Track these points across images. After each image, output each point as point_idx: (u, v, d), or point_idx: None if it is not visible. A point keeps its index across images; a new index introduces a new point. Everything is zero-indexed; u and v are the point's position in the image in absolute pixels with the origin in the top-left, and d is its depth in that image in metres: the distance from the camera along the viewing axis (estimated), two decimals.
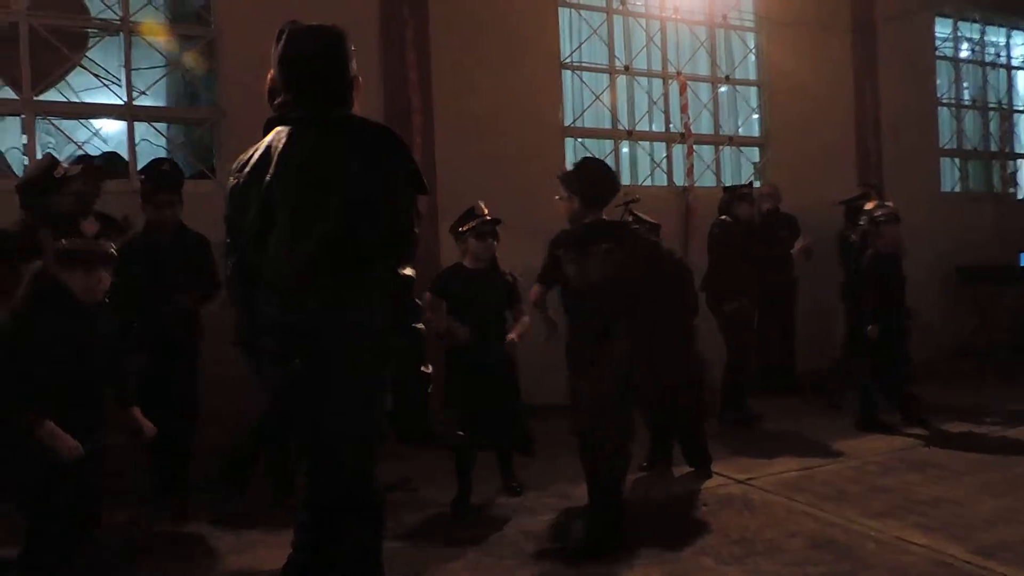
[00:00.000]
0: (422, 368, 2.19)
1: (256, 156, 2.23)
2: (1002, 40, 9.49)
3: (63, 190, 3.73)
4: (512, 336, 3.99)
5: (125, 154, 5.32)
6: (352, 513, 2.19)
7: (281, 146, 2.18)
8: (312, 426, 2.18)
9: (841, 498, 4.09)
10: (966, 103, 9.18)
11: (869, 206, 5.78)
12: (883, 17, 7.94)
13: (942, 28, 8.94)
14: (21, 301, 2.94)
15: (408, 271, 2.16)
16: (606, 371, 3.43)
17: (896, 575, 3.15)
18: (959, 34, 9.11)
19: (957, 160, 9.09)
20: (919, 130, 8.41)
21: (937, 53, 8.83)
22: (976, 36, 9.29)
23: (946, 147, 8.91)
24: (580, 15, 6.92)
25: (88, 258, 2.99)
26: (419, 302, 2.23)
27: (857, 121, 7.99)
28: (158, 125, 5.73)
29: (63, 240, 2.98)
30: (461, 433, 3.72)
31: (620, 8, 7.07)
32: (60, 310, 2.95)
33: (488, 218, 4.02)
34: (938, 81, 8.84)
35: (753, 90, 7.79)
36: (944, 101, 8.93)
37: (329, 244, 2.10)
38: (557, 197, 3.64)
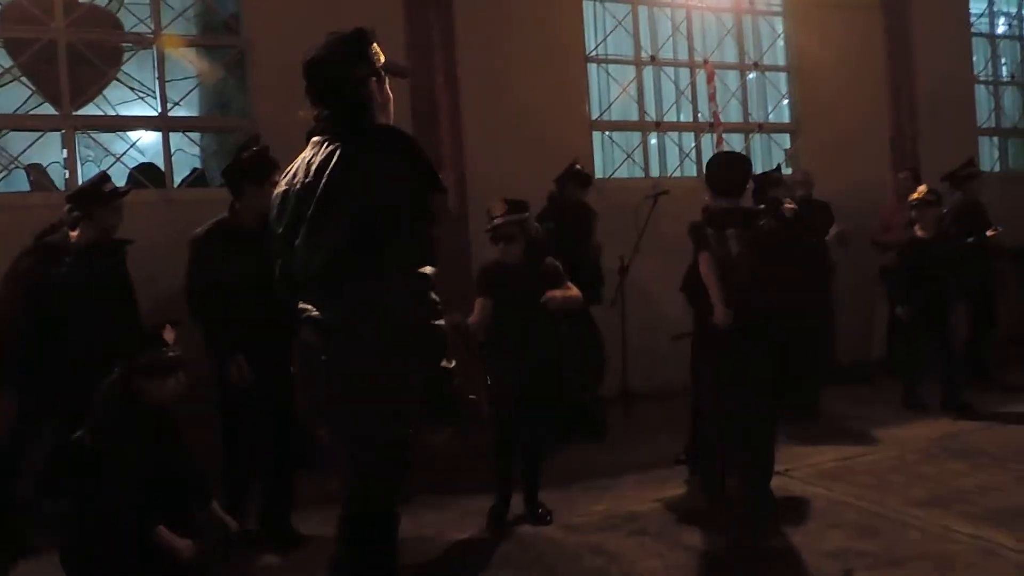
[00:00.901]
0: (443, 363, 2.25)
1: (294, 168, 2.34)
2: None
3: (110, 204, 3.88)
4: (553, 292, 3.79)
5: (161, 164, 5.44)
6: (367, 507, 2.26)
7: (307, 157, 2.29)
8: (333, 419, 2.28)
9: (882, 487, 4.05)
10: (1004, 80, 8.95)
11: (920, 191, 5.74)
12: None
13: (977, 4, 8.72)
14: (97, 422, 3.07)
15: (426, 269, 2.22)
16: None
17: (943, 564, 3.12)
18: (995, 8, 8.88)
19: (996, 139, 8.87)
20: (956, 109, 8.20)
21: (972, 30, 8.61)
22: (1013, 10, 9.05)
23: (984, 126, 8.70)
24: (604, 7, 6.89)
25: (167, 367, 3.13)
26: (437, 299, 2.25)
27: (891, 103, 7.83)
28: (192, 135, 5.85)
29: (144, 352, 3.11)
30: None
31: None
32: (137, 427, 3.08)
33: (501, 221, 3.84)
34: (974, 58, 8.63)
35: (783, 76, 7.68)
36: (981, 79, 8.72)
37: (343, 252, 2.18)
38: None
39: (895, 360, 6.16)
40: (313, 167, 2.23)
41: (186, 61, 5.49)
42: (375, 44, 2.35)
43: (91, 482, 2.97)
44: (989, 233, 5.80)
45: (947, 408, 5.43)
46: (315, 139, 2.31)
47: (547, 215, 5.33)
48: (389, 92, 2.39)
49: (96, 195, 3.86)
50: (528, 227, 3.90)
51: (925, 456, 4.53)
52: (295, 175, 2.30)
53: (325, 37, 2.33)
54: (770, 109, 7.65)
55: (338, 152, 2.21)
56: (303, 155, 2.32)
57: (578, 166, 5.60)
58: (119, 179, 4.93)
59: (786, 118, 7.70)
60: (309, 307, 2.27)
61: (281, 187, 2.34)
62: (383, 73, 2.34)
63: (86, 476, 2.98)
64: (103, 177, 4.04)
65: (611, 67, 6.90)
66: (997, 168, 8.85)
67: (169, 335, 3.16)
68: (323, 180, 2.19)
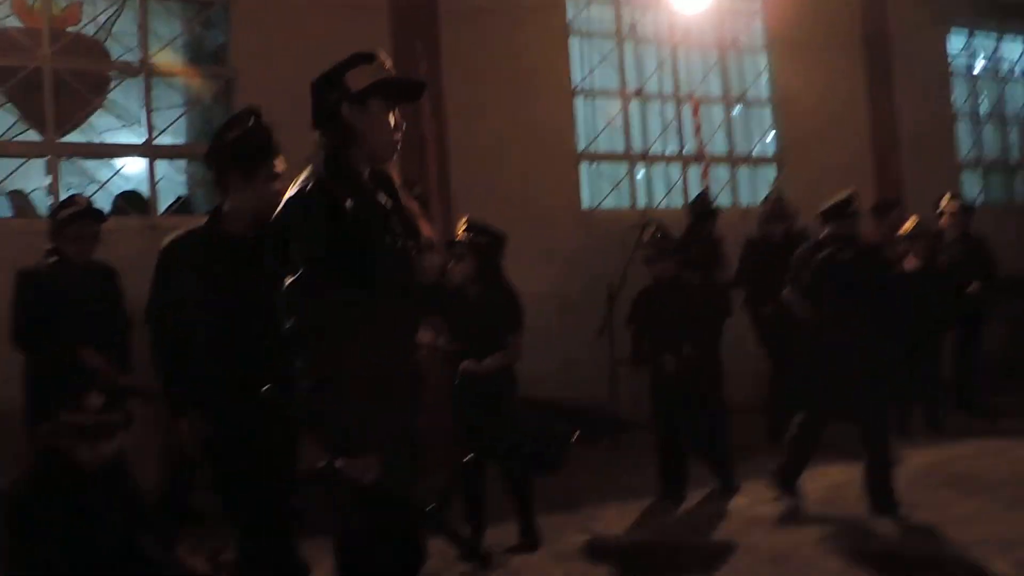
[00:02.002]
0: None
1: None
2: (1018, 50, 9.41)
3: (63, 232, 3.75)
4: (468, 364, 3.67)
5: (146, 192, 5.42)
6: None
7: None
8: None
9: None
10: (984, 115, 9.10)
11: (908, 224, 5.95)
12: (895, 32, 7.93)
13: (957, 40, 8.91)
14: (25, 480, 2.91)
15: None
16: None
17: None
18: (973, 48, 9.07)
19: (980, 171, 8.99)
20: (938, 143, 8.33)
21: (952, 66, 8.78)
22: (991, 47, 9.24)
23: (965, 160, 8.82)
24: (591, 42, 6.98)
25: (93, 433, 2.91)
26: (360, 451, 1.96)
27: (873, 136, 7.93)
28: (178, 163, 5.84)
29: (67, 414, 2.91)
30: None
31: (630, 34, 7.13)
32: (66, 488, 2.88)
33: (456, 239, 3.78)
34: (954, 94, 8.78)
35: (767, 109, 7.79)
36: (962, 114, 8.87)
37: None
38: None
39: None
40: None
41: (176, 88, 5.50)
42: (365, 67, 2.17)
43: (14, 539, 2.77)
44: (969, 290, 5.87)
45: (931, 427, 5.68)
46: None
47: (751, 255, 5.71)
48: (382, 119, 2.18)
49: (53, 224, 3.75)
50: (485, 251, 3.75)
51: (914, 483, 4.47)
52: None
53: None
54: (755, 141, 7.74)
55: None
56: None
57: (781, 201, 5.95)
58: (103, 206, 4.90)
59: (771, 150, 7.79)
60: None
61: None
62: (365, 99, 2.14)
63: (11, 531, 2.78)
64: (61, 204, 3.85)
65: (597, 100, 6.97)
66: (981, 201, 8.94)
67: (95, 401, 2.90)
68: None
